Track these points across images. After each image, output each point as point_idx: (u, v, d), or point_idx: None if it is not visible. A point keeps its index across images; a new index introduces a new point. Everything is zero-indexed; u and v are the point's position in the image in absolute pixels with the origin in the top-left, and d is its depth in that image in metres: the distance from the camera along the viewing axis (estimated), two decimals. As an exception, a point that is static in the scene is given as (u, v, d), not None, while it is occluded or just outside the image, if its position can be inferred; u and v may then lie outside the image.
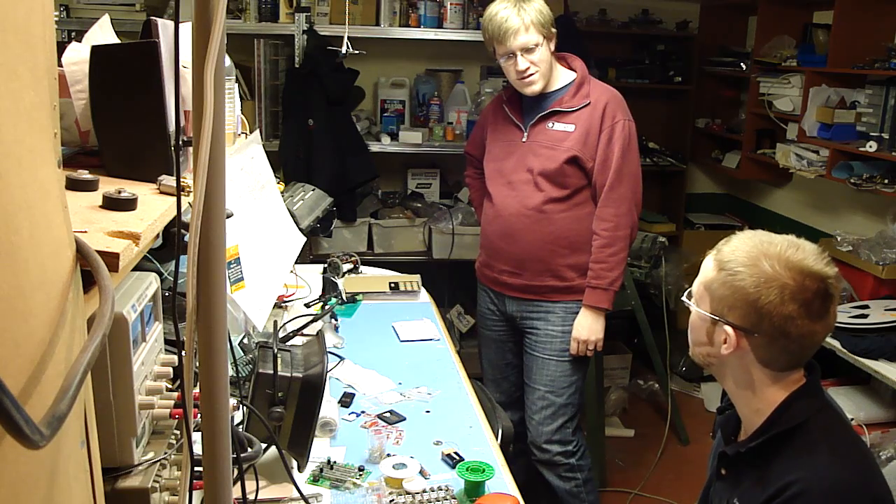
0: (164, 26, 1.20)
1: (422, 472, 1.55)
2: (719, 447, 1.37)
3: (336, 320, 2.28)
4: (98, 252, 0.75)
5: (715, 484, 1.34)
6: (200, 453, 0.89)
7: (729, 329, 1.20)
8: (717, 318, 1.22)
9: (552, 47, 2.30)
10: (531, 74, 2.28)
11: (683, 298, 1.31)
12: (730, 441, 1.34)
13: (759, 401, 1.24)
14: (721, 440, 1.38)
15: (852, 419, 2.73)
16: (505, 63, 2.31)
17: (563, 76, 2.37)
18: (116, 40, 1.31)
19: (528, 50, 2.25)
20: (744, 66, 3.97)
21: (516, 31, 2.23)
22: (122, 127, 1.14)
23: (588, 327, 2.37)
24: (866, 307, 2.84)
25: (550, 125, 2.33)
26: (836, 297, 1.18)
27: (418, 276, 2.67)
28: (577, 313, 2.39)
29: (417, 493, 1.46)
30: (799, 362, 1.23)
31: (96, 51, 1.12)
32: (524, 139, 2.36)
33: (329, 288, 2.43)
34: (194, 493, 0.98)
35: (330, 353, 1.94)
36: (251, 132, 2.06)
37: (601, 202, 2.32)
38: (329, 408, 1.69)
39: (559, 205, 2.33)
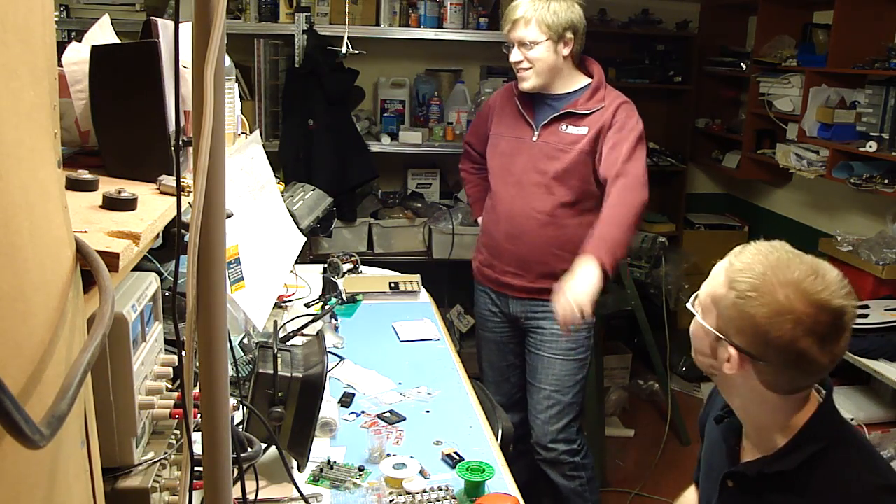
0: (164, 26, 1.20)
1: (422, 472, 1.55)
2: (716, 456, 1.34)
3: (336, 320, 2.28)
4: (98, 252, 0.75)
5: (719, 497, 1.30)
6: (200, 453, 0.89)
7: (733, 351, 1.14)
8: (721, 336, 1.16)
9: (564, 52, 2.27)
10: (522, 69, 2.28)
11: (688, 305, 1.24)
12: (734, 452, 1.30)
13: (771, 419, 1.20)
14: (719, 449, 1.34)
15: (852, 419, 2.73)
16: (507, 50, 2.31)
17: (579, 80, 2.35)
18: (116, 40, 1.31)
19: (524, 44, 2.24)
20: (744, 66, 3.97)
21: (516, 21, 2.24)
22: (122, 127, 1.14)
23: (582, 284, 2.07)
24: (866, 307, 2.84)
25: (564, 127, 2.31)
26: (849, 329, 1.11)
27: (418, 276, 2.66)
28: None
29: (417, 493, 1.46)
30: (807, 387, 1.19)
31: (96, 51, 1.11)
32: (534, 138, 2.34)
33: (329, 288, 2.43)
34: (194, 493, 0.98)
35: (330, 353, 1.94)
36: (251, 132, 2.06)
37: (616, 174, 2.21)
38: (329, 408, 1.69)
39: (569, 209, 2.31)
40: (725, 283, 1.16)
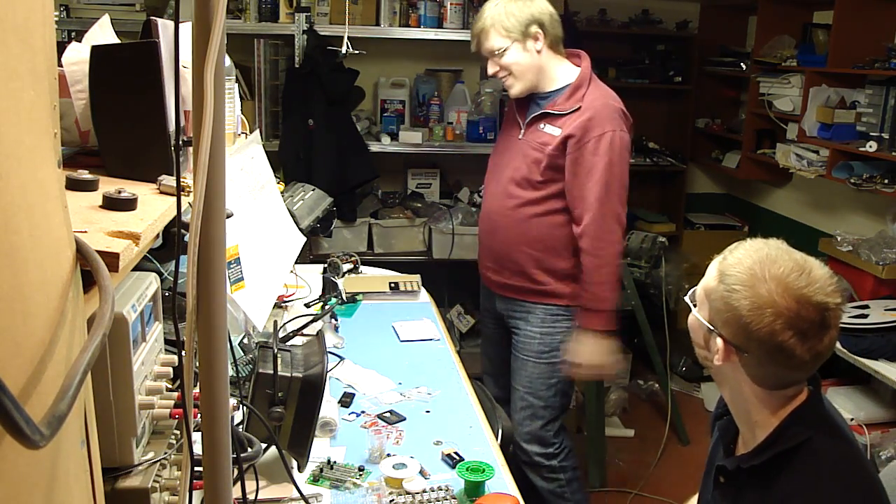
0: (164, 26, 1.20)
1: (422, 472, 1.55)
2: (717, 455, 1.36)
3: (336, 320, 2.28)
4: (98, 252, 0.75)
5: (713, 492, 1.33)
6: (200, 453, 0.89)
7: (720, 342, 1.18)
8: (711, 328, 1.20)
9: (537, 47, 2.21)
10: (503, 78, 2.27)
11: (686, 298, 1.29)
12: (728, 449, 1.32)
13: (757, 414, 1.22)
14: (719, 447, 1.36)
15: (852, 419, 2.73)
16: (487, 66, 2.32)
17: (564, 76, 2.27)
18: (116, 40, 1.31)
19: (493, 54, 2.23)
20: (744, 66, 3.97)
21: (478, 35, 2.25)
22: (122, 127, 1.14)
23: (586, 351, 2.24)
24: (866, 307, 2.84)
25: (542, 126, 2.27)
26: (835, 327, 1.13)
27: (418, 276, 2.66)
28: (555, 315, 2.34)
29: (417, 493, 1.46)
30: (792, 384, 1.20)
31: (96, 51, 1.12)
32: (520, 136, 2.33)
33: (329, 288, 2.43)
34: (194, 493, 0.98)
35: (330, 353, 1.94)
36: (251, 132, 2.06)
37: (589, 218, 2.19)
38: (329, 408, 1.69)
39: (535, 207, 2.27)
40: (717, 276, 1.20)
